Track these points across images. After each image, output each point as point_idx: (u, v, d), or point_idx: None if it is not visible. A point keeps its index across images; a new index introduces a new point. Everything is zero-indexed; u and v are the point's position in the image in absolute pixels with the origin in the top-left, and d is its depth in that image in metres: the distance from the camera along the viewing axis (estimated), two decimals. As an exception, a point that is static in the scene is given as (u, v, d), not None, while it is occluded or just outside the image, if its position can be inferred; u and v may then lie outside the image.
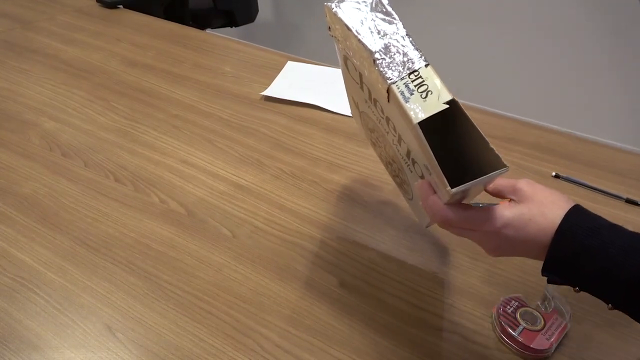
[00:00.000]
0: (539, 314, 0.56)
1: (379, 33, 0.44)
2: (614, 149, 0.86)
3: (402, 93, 0.41)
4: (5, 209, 0.70)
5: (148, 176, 0.77)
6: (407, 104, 0.41)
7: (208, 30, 1.66)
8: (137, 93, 0.98)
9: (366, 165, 0.80)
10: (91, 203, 0.71)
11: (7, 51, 1.12)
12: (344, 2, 0.47)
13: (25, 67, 1.06)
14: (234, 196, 0.73)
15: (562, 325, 0.55)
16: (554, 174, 0.78)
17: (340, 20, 0.47)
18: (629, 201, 0.73)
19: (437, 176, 0.41)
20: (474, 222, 0.44)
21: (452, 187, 0.40)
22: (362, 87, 0.52)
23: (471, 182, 0.40)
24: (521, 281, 0.61)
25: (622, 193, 0.74)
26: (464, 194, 0.43)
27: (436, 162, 0.40)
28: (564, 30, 1.98)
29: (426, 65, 0.42)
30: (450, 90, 0.41)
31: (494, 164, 0.41)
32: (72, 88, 0.99)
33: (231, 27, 1.99)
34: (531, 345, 0.52)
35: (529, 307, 0.56)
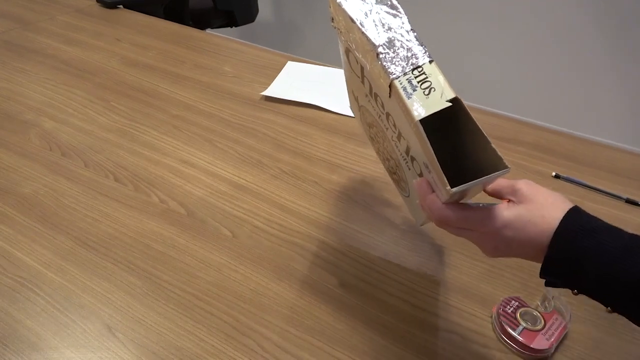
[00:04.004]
0: (539, 314, 0.55)
1: (383, 26, 0.43)
2: (614, 149, 0.86)
3: (404, 89, 0.40)
4: (6, 209, 0.70)
5: (148, 176, 0.77)
6: (409, 100, 0.40)
7: (208, 30, 1.66)
8: (137, 93, 0.98)
9: (366, 165, 0.80)
10: (91, 203, 0.71)
11: (8, 51, 1.12)
12: None
13: (25, 67, 1.06)
14: (234, 196, 0.73)
15: (562, 325, 0.55)
16: (554, 174, 0.78)
17: (344, 12, 0.46)
18: (629, 201, 0.73)
19: (437, 175, 0.41)
20: (473, 222, 0.44)
21: (452, 187, 0.40)
22: (363, 81, 0.51)
23: (471, 182, 0.40)
24: (521, 281, 0.61)
25: (622, 193, 0.74)
26: (463, 194, 0.43)
27: (436, 161, 0.40)
28: (564, 30, 1.98)
29: (430, 62, 0.41)
30: (453, 87, 0.40)
31: (495, 164, 0.40)
32: (72, 88, 0.99)
33: (231, 27, 1.99)
34: (531, 345, 0.52)
35: (529, 307, 0.56)
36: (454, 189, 0.39)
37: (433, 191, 0.44)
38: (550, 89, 2.12)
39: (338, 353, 0.53)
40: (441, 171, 0.40)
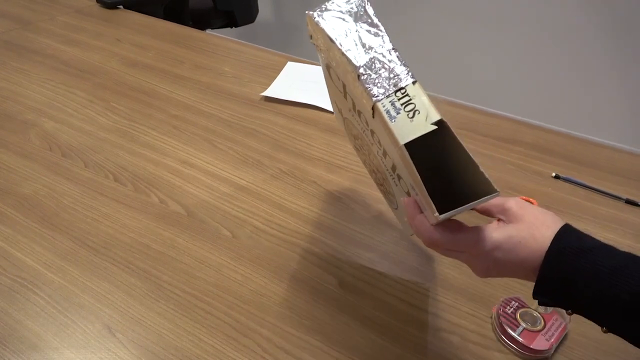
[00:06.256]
0: (539, 315, 0.56)
1: (363, 46, 0.42)
2: (613, 149, 0.86)
3: (387, 112, 0.39)
4: (5, 209, 0.70)
5: (148, 176, 0.77)
6: (392, 124, 0.39)
7: (208, 31, 1.66)
8: (137, 93, 0.98)
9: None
10: (91, 203, 0.71)
11: (8, 51, 1.12)
12: (326, 11, 0.45)
13: (25, 67, 1.06)
14: (233, 196, 0.73)
15: (562, 326, 0.55)
16: (553, 174, 0.78)
17: (322, 31, 0.44)
18: (628, 202, 0.73)
19: (424, 199, 0.40)
20: (462, 244, 0.43)
21: (439, 212, 0.38)
22: (345, 97, 0.50)
23: (459, 207, 0.38)
24: (521, 282, 0.61)
25: (621, 194, 0.74)
26: (451, 216, 0.42)
27: (423, 186, 0.38)
28: (564, 30, 1.98)
29: (414, 83, 0.40)
30: (438, 109, 0.39)
31: (485, 187, 0.39)
32: (72, 88, 0.99)
33: (231, 27, 1.99)
34: (531, 346, 0.52)
35: (529, 307, 0.56)
36: (442, 216, 0.38)
37: (421, 212, 0.43)
38: (549, 89, 2.12)
39: (337, 353, 0.53)
40: (428, 197, 0.38)
